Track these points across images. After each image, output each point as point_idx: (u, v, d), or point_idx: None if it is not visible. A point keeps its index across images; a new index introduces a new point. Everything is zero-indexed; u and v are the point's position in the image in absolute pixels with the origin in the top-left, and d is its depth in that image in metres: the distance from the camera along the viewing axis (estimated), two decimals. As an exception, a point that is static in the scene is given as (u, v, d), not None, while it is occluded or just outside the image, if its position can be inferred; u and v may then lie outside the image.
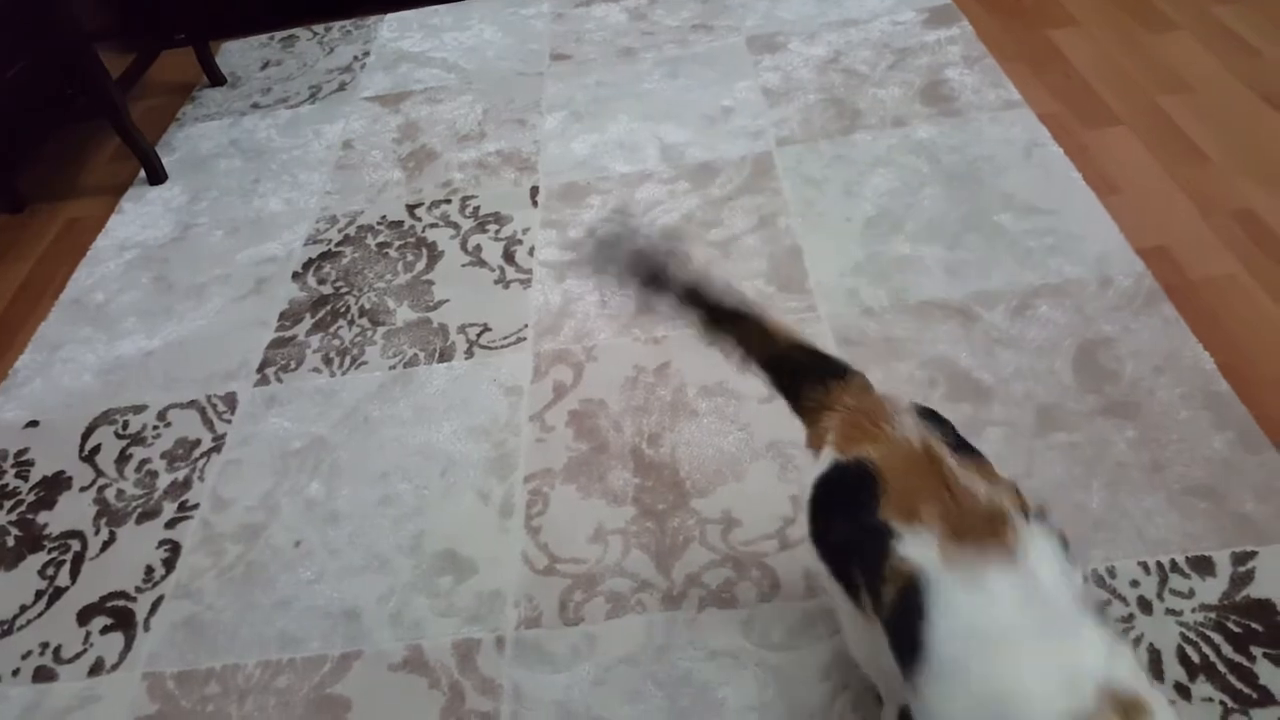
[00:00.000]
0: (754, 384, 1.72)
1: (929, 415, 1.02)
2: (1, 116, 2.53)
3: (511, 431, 1.71)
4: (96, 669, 1.46)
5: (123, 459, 1.79)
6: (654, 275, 1.18)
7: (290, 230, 2.29)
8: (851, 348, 1.75)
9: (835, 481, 1.00)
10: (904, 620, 0.87)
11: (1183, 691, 1.21)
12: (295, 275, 2.15)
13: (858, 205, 2.06)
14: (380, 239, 2.22)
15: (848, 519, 0.96)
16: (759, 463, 1.59)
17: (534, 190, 2.27)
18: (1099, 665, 0.78)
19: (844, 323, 1.81)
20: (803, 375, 1.12)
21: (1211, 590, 1.31)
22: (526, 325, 1.92)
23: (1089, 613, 0.82)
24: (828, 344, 1.78)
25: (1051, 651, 0.79)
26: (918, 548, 0.87)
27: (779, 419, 1.64)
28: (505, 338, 1.90)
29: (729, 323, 1.16)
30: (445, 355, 1.89)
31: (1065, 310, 1.75)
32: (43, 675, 1.47)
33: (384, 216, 2.28)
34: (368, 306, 2.03)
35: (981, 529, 0.86)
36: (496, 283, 2.04)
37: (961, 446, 0.97)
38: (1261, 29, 2.39)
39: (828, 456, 1.02)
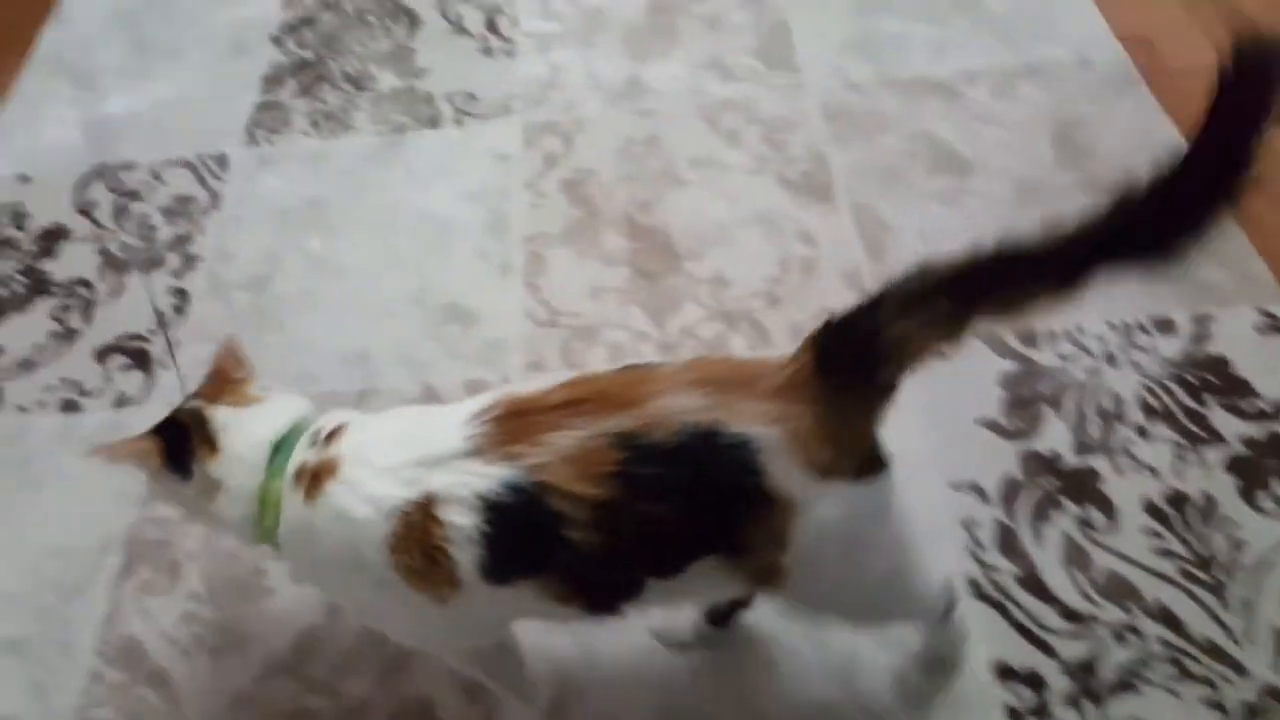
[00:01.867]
0: (741, 157, 1.80)
1: None
2: None
3: (505, 197, 1.75)
4: (121, 403, 1.55)
5: (120, 213, 1.81)
6: None
7: (266, -9, 2.21)
8: (837, 122, 1.80)
9: None
10: None
11: (1142, 433, 1.35)
12: (274, 39, 2.11)
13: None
14: (358, 4, 2.17)
15: None
16: (746, 229, 1.67)
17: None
18: None
19: (831, 98, 1.84)
20: None
21: (1172, 347, 1.43)
22: (513, 96, 1.92)
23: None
24: (813, 119, 1.82)
25: None
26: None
27: (764, 190, 1.73)
28: (493, 107, 1.91)
29: None
30: (434, 122, 1.90)
31: (1045, 90, 1.81)
32: (70, 407, 1.55)
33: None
34: (351, 73, 2.01)
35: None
36: (480, 52, 2.03)
37: None
38: None
39: None
